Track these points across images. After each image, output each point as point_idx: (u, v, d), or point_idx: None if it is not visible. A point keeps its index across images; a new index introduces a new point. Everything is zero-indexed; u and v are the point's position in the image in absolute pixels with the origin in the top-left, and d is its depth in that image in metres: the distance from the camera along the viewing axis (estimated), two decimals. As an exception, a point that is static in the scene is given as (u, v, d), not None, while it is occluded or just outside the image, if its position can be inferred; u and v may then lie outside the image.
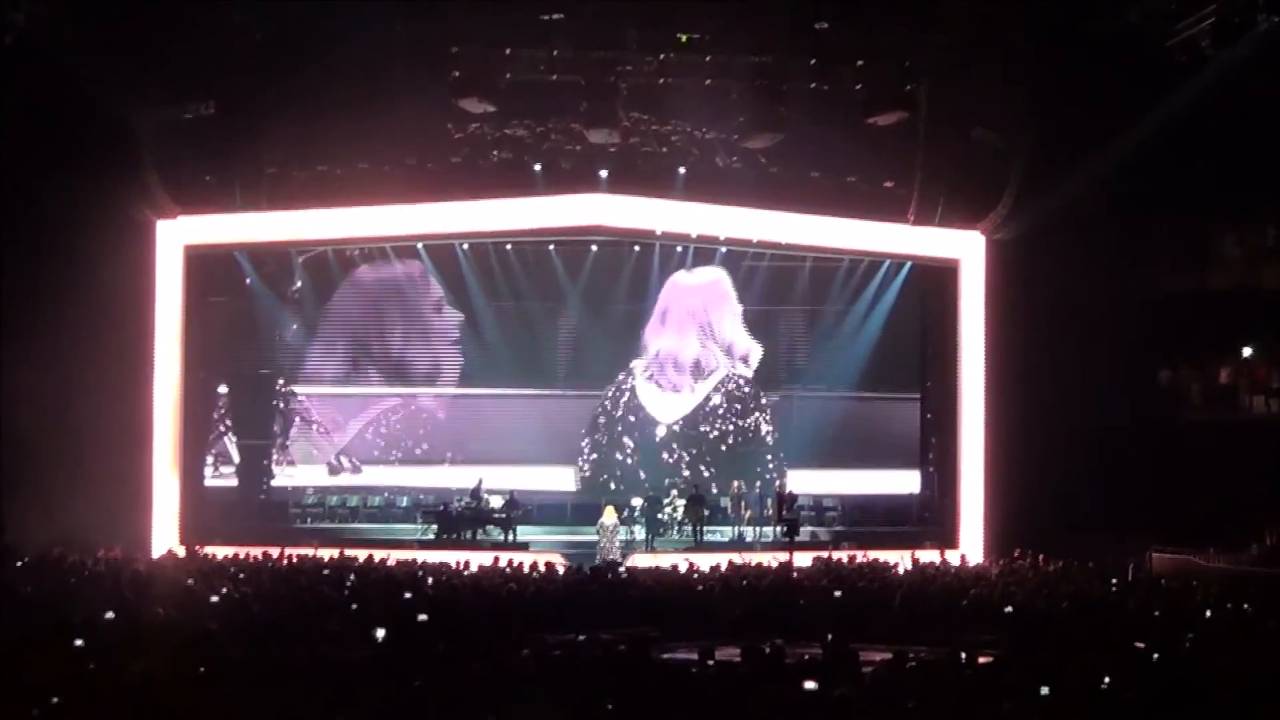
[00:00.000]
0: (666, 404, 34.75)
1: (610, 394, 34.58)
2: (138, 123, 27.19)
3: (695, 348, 34.68)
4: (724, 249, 32.55)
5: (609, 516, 28.93)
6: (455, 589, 19.87)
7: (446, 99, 27.01)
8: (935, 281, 32.68)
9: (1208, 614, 17.37)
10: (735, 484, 32.33)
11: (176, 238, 29.81)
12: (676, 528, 31.34)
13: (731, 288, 34.39)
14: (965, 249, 31.00)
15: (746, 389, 34.52)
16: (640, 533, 30.64)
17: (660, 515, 31.05)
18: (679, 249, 32.90)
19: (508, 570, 22.59)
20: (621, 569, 23.76)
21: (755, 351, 34.61)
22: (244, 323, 33.34)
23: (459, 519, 30.06)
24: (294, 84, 27.00)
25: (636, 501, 31.01)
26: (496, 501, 30.56)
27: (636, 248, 33.09)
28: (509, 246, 32.79)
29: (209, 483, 32.27)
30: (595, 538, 28.88)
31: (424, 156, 29.92)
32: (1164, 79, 25.35)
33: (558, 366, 34.47)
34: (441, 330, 34.34)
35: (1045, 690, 10.19)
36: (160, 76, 26.15)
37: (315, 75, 26.55)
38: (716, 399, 34.66)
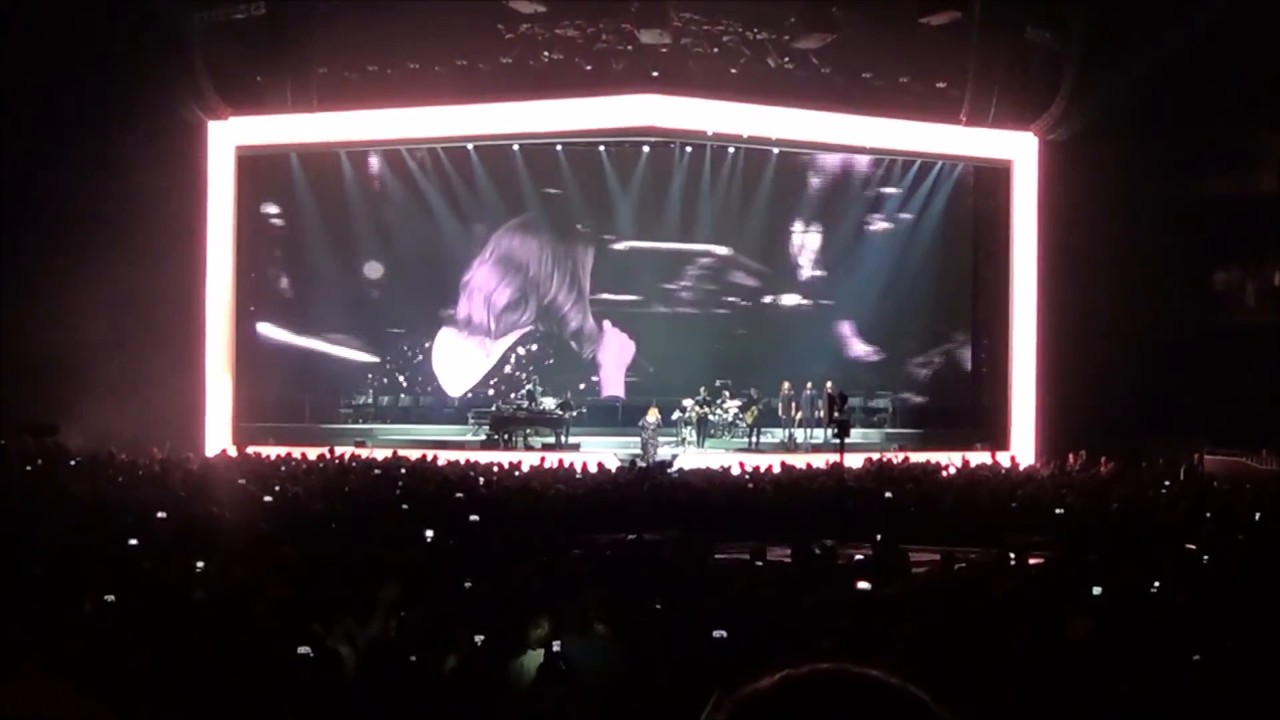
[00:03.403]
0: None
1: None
2: (188, 23, 27.16)
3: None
4: (776, 150, 32.25)
5: (652, 415, 29.00)
6: (507, 489, 19.99)
7: (497, -1, 26.92)
8: (989, 183, 32.43)
9: (1258, 516, 17.30)
10: (784, 385, 31.89)
11: (228, 139, 29.87)
12: (728, 429, 31.33)
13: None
14: (1018, 150, 30.77)
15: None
16: (692, 434, 30.65)
17: (712, 417, 31.03)
18: (730, 150, 32.61)
19: (559, 471, 22.70)
20: (672, 469, 23.82)
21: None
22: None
23: (511, 420, 30.16)
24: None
25: (688, 403, 30.86)
26: (550, 402, 30.60)
27: (689, 149, 32.82)
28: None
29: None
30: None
31: (475, 57, 29.77)
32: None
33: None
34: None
35: (1096, 591, 10.17)
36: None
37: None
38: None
